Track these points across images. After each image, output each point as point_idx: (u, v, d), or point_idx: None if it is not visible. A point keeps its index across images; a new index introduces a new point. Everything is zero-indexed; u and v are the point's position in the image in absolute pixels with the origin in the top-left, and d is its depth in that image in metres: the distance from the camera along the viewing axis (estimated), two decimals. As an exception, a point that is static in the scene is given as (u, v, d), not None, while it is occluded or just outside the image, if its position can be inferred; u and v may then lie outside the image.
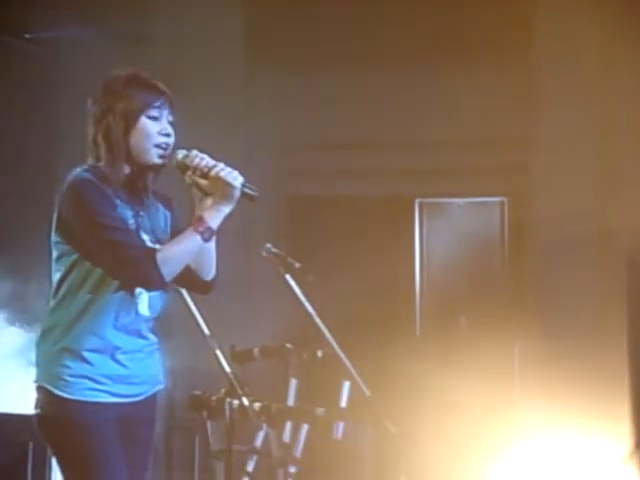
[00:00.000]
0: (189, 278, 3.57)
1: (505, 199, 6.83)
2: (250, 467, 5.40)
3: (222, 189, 3.40)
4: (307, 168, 7.74)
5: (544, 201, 7.18)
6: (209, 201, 3.40)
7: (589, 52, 7.11)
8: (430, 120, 7.32)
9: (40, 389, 3.45)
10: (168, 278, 3.36)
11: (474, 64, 7.23)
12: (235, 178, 3.41)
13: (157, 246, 3.45)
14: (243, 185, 3.43)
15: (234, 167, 3.47)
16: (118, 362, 3.46)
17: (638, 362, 6.56)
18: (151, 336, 3.56)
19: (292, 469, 5.33)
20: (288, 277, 5.15)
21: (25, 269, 5.44)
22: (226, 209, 3.41)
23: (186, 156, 3.44)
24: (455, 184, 7.29)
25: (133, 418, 3.49)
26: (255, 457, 5.41)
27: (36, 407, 3.48)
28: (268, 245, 5.22)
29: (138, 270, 3.33)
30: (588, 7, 7.00)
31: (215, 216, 3.39)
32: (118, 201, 3.42)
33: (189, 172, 3.44)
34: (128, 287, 3.41)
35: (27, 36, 6.42)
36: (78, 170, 3.42)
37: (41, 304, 3.60)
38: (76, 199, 3.37)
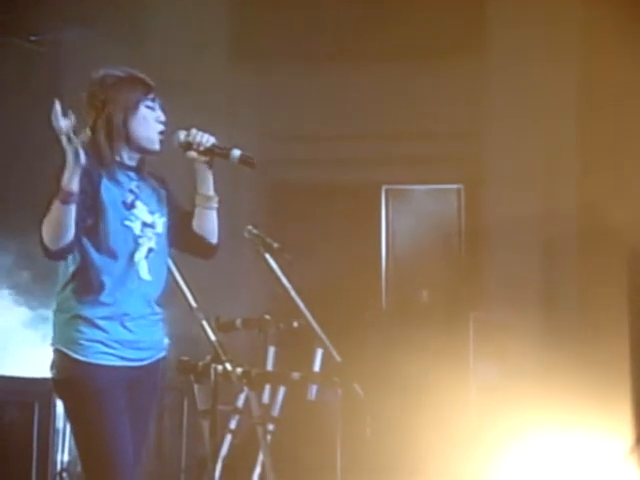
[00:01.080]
0: (197, 243, 3.64)
1: (461, 186, 6.86)
2: (232, 425, 5.40)
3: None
4: (287, 157, 7.70)
5: (494, 188, 7.23)
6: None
7: (536, 53, 7.11)
8: (397, 115, 7.31)
9: (56, 351, 3.45)
10: (51, 247, 3.29)
11: (435, 66, 7.27)
12: (207, 140, 3.51)
13: (155, 215, 3.51)
14: (242, 154, 3.55)
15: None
16: (126, 328, 3.46)
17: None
18: (156, 306, 3.57)
19: (270, 427, 5.35)
20: (267, 256, 5.20)
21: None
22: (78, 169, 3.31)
23: (187, 135, 3.54)
24: (418, 172, 7.32)
25: (139, 381, 3.50)
26: (237, 416, 5.41)
27: (52, 368, 3.48)
28: (249, 227, 5.26)
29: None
30: (536, 10, 7.09)
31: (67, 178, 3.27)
32: (110, 183, 3.43)
33: (192, 149, 3.54)
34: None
35: (32, 38, 6.39)
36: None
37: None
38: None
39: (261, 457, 5.29)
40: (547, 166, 7.18)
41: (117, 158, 3.50)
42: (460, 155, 7.39)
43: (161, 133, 3.53)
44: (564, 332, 6.92)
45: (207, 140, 3.54)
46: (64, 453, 6.12)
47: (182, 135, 3.56)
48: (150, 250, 3.50)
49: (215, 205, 3.64)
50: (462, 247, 6.78)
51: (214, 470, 5.00)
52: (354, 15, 7.47)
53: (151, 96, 3.53)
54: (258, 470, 5.32)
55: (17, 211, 6.20)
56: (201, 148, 3.54)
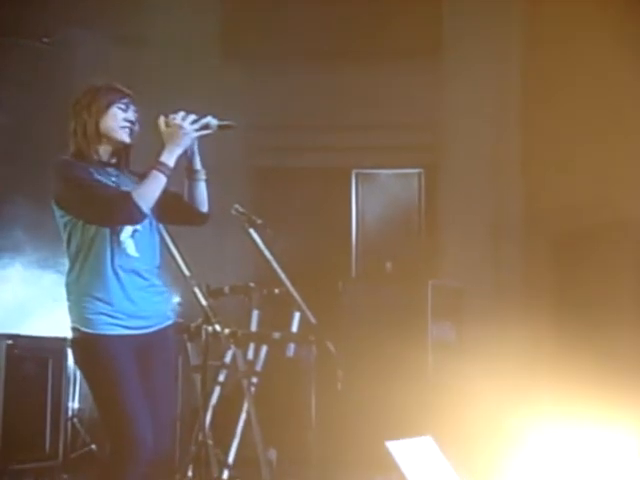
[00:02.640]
0: (187, 212, 3.64)
1: (421, 171, 6.84)
2: (221, 378, 5.37)
3: (173, 133, 3.47)
4: (269, 145, 7.70)
5: (450, 173, 7.28)
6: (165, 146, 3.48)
7: (485, 55, 7.18)
8: (366, 109, 7.34)
9: (73, 329, 3.49)
10: (145, 210, 3.41)
11: (399, 66, 7.31)
12: (183, 118, 3.49)
13: None
14: (220, 122, 3.55)
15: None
16: (127, 299, 3.47)
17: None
18: (154, 279, 3.57)
19: (254, 380, 5.35)
20: (252, 231, 5.20)
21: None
22: (178, 149, 3.48)
23: (167, 120, 3.53)
24: (384, 158, 7.31)
25: (148, 347, 3.50)
26: (225, 370, 5.37)
27: (71, 344, 3.53)
28: (236, 206, 5.24)
29: (120, 208, 3.38)
30: (485, 18, 7.11)
31: (168, 156, 3.46)
32: (94, 170, 3.47)
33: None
34: (113, 223, 3.43)
35: (44, 40, 6.33)
36: (62, 156, 3.50)
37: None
38: (57, 174, 3.45)
39: (246, 406, 5.29)
40: (494, 154, 7.24)
41: (96, 157, 3.51)
42: (421, 144, 7.44)
43: (129, 129, 3.52)
44: (509, 295, 7.00)
45: (186, 118, 3.51)
46: (75, 402, 6.17)
47: (162, 120, 3.54)
48: (135, 230, 3.51)
49: (204, 177, 3.64)
50: (422, 224, 6.69)
51: (205, 417, 4.97)
52: (331, 20, 7.46)
53: (125, 100, 3.54)
54: (244, 417, 5.31)
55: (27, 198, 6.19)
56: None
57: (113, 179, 3.54)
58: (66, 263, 3.55)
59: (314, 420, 5.90)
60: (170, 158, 3.48)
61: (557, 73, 6.83)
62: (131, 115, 3.55)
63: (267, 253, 5.22)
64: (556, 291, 6.75)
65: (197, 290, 4.70)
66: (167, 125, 3.52)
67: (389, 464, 3.15)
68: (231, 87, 7.40)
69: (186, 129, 3.49)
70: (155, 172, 3.45)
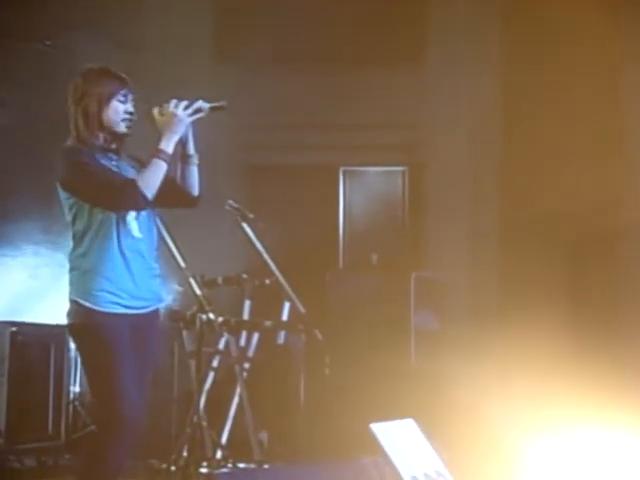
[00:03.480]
0: (179, 195, 3.63)
1: (406, 169, 6.85)
2: (215, 364, 5.37)
3: (168, 121, 3.47)
4: (261, 144, 7.66)
5: (433, 171, 7.26)
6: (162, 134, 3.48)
7: (466, 60, 7.17)
8: (353, 109, 7.30)
9: (72, 302, 3.46)
10: (150, 197, 3.42)
11: (386, 69, 7.26)
12: (176, 106, 3.49)
13: None
14: (211, 104, 3.55)
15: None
16: (131, 280, 3.47)
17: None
18: (153, 263, 3.57)
19: (246, 365, 5.36)
20: (244, 225, 5.23)
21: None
22: (175, 136, 3.49)
23: (161, 108, 3.53)
24: (370, 156, 7.25)
25: (140, 327, 3.50)
26: (218, 356, 5.37)
27: (68, 315, 3.48)
28: (230, 201, 5.27)
29: (126, 195, 3.38)
30: (466, 26, 7.13)
31: (166, 143, 3.47)
32: (98, 156, 3.47)
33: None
34: (119, 209, 3.43)
35: (47, 42, 6.34)
36: (64, 143, 3.50)
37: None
38: (65, 160, 3.44)
39: (238, 390, 5.30)
40: (474, 154, 7.24)
41: (97, 143, 3.50)
42: (405, 143, 7.40)
43: (128, 120, 3.51)
44: (488, 287, 7.01)
45: (178, 105, 3.51)
46: (76, 386, 6.16)
47: (156, 111, 3.54)
48: (139, 212, 3.51)
49: (196, 162, 3.62)
50: (405, 218, 6.70)
51: (200, 400, 4.98)
52: (320, 24, 7.43)
53: (124, 91, 3.52)
54: (236, 400, 5.32)
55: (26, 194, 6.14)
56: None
57: (114, 163, 3.53)
58: (70, 244, 3.53)
59: (303, 403, 5.93)
60: (168, 145, 3.49)
61: (536, 76, 6.85)
62: (130, 106, 3.54)
63: (259, 246, 5.24)
64: (531, 282, 6.75)
65: (192, 280, 4.73)
66: (161, 114, 3.52)
67: (374, 446, 3.14)
68: (224, 88, 7.33)
69: (180, 116, 3.49)
70: (156, 160, 3.46)
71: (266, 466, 5.11)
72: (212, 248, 6.59)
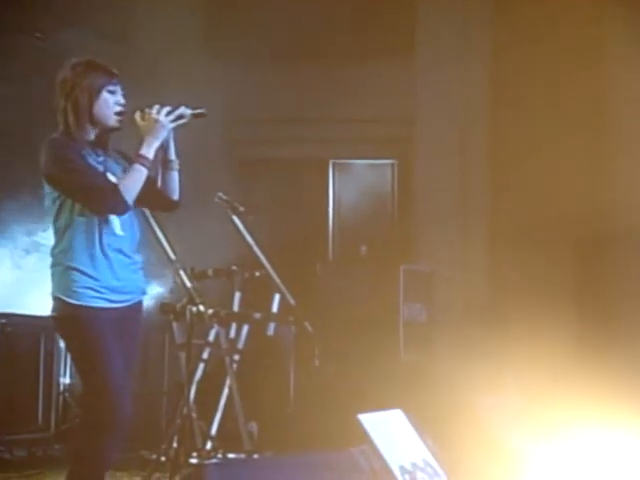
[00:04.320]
0: (160, 199, 3.61)
1: (394, 161, 6.87)
2: (205, 355, 5.36)
3: (150, 127, 3.46)
4: (252, 137, 7.68)
5: (421, 163, 7.27)
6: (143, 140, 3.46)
7: (455, 54, 7.20)
8: (343, 103, 7.33)
9: (56, 299, 3.45)
10: (130, 202, 3.42)
11: (375, 63, 7.29)
12: (158, 112, 3.47)
13: None
14: (192, 111, 3.52)
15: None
16: (114, 277, 3.45)
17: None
18: (136, 256, 3.56)
19: (236, 357, 5.35)
20: (234, 217, 5.21)
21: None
22: (156, 141, 3.48)
23: (142, 112, 3.51)
24: (359, 150, 7.32)
25: (124, 318, 3.49)
26: (208, 348, 5.36)
27: (53, 311, 3.48)
28: (220, 194, 5.25)
29: (108, 199, 3.37)
30: (455, 19, 7.15)
31: (147, 149, 3.46)
32: (85, 153, 3.44)
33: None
34: (101, 213, 3.42)
35: (37, 35, 6.30)
36: (52, 135, 3.47)
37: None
38: (50, 154, 3.41)
39: (228, 382, 5.30)
40: (463, 146, 7.26)
41: (85, 137, 3.48)
42: (394, 136, 7.43)
43: (119, 114, 3.49)
44: (476, 280, 7.04)
45: (161, 111, 3.49)
46: (66, 377, 6.15)
47: (138, 115, 3.51)
48: None
49: (177, 167, 3.60)
50: (395, 211, 6.74)
51: (190, 392, 4.96)
52: (310, 18, 7.43)
53: (113, 81, 3.50)
54: (226, 392, 5.32)
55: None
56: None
57: (100, 159, 3.51)
58: (52, 238, 3.52)
59: (292, 394, 5.95)
60: (149, 151, 3.48)
61: (526, 70, 6.87)
62: (120, 98, 3.52)
63: (249, 238, 5.23)
64: (521, 274, 6.79)
65: (182, 273, 4.73)
66: (143, 119, 3.50)
67: (362, 436, 3.16)
68: (214, 82, 7.36)
69: (162, 121, 3.48)
70: (137, 166, 3.46)
71: (256, 456, 5.11)
72: (202, 240, 6.59)
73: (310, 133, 7.55)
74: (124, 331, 3.50)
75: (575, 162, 6.78)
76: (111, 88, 3.49)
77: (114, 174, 3.53)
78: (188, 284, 4.67)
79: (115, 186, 3.41)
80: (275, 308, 5.42)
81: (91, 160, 3.47)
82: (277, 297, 5.39)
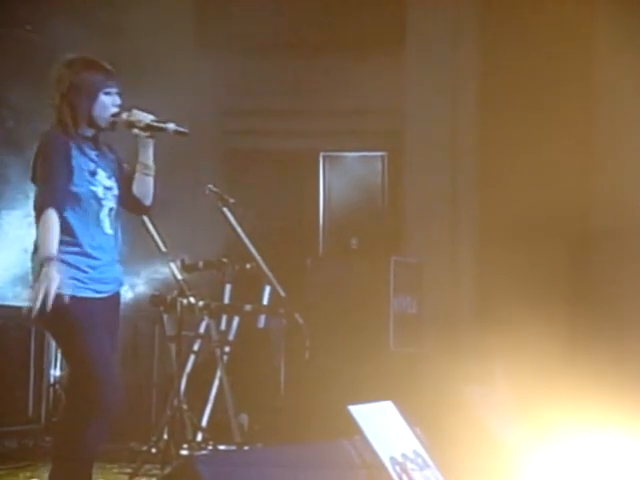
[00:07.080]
0: (134, 203, 3.61)
1: (385, 154, 6.88)
2: (195, 347, 5.37)
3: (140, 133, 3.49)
4: (242, 129, 7.67)
5: (411, 156, 7.26)
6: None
7: (446, 46, 7.22)
8: (333, 95, 7.34)
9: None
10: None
11: (366, 55, 7.27)
12: (146, 117, 3.46)
13: (112, 180, 3.51)
14: (176, 127, 3.50)
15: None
16: (100, 272, 3.47)
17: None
18: (115, 252, 3.56)
19: (226, 349, 5.36)
20: (225, 209, 5.20)
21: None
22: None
23: (129, 115, 3.49)
24: (350, 142, 7.34)
25: (105, 308, 3.50)
26: (199, 340, 5.37)
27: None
28: (210, 186, 5.25)
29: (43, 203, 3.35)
30: (445, 12, 7.16)
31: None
32: (77, 151, 3.44)
33: (134, 127, 3.49)
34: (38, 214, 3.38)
35: (28, 27, 6.29)
36: (48, 129, 3.47)
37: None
38: (38, 149, 3.42)
39: (219, 373, 5.31)
40: (453, 139, 7.27)
41: (80, 132, 3.47)
42: (384, 128, 7.43)
43: (115, 115, 3.49)
44: (466, 271, 7.06)
45: (146, 117, 3.49)
46: (56, 369, 6.15)
47: (124, 115, 3.50)
48: (111, 209, 3.52)
49: (152, 173, 3.59)
50: (385, 203, 6.76)
51: (180, 383, 4.99)
52: (300, 11, 7.43)
53: (110, 83, 3.49)
54: (216, 383, 5.33)
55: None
56: (142, 125, 3.49)
57: (94, 155, 3.51)
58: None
59: (283, 386, 5.95)
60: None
61: (518, 62, 6.88)
62: (117, 98, 3.51)
63: (239, 230, 5.22)
64: (510, 266, 6.81)
65: (173, 265, 4.76)
66: (130, 122, 3.51)
67: (353, 428, 3.17)
68: (205, 74, 7.35)
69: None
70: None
71: (246, 448, 5.12)
72: (193, 233, 6.60)
73: (300, 125, 7.54)
74: (106, 320, 3.51)
75: (565, 156, 6.79)
76: (108, 89, 3.49)
77: (104, 170, 3.53)
78: (179, 276, 4.70)
79: (54, 201, 3.37)
80: (266, 300, 5.42)
81: (81, 157, 3.46)
82: (268, 289, 5.39)
